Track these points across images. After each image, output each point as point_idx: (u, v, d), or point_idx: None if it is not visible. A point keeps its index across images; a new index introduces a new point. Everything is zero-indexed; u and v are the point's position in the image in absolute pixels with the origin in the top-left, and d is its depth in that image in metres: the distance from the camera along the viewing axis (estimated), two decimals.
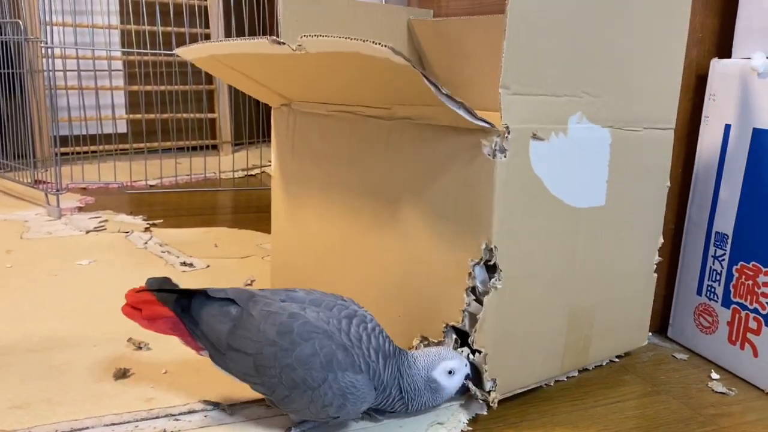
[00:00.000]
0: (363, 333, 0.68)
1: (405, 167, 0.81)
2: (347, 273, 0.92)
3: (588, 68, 0.76)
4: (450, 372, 0.71)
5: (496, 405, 0.75)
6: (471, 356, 0.75)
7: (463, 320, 0.75)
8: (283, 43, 0.75)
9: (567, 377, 0.87)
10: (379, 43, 0.64)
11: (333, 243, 0.94)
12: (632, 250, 0.88)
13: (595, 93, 0.77)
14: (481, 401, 0.76)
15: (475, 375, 0.76)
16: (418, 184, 0.79)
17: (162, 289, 0.71)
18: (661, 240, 0.91)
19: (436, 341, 0.79)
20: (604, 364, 0.91)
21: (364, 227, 0.88)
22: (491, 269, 0.73)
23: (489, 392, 0.75)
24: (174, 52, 1.01)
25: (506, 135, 0.69)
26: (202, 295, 0.70)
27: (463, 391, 0.76)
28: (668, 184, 0.89)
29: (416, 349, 0.80)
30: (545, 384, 0.84)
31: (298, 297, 0.70)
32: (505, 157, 0.69)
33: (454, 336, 0.77)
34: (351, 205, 0.90)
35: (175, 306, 0.70)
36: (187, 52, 0.94)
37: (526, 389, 0.81)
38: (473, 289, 0.74)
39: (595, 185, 0.80)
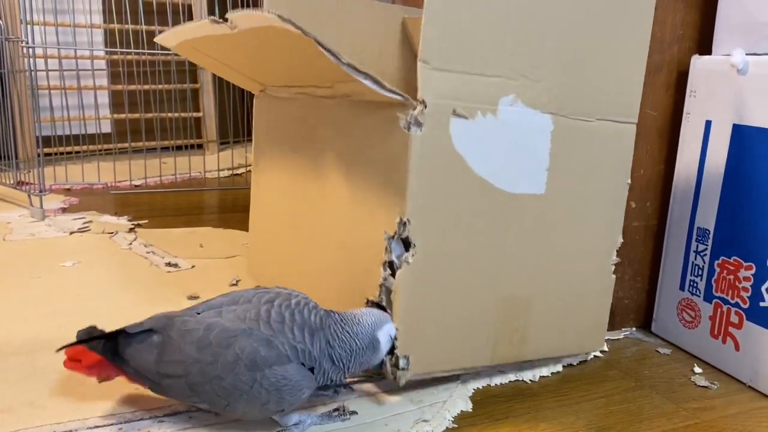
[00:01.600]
0: (286, 312, 0.67)
1: (342, 143, 0.82)
2: (302, 252, 0.94)
3: (527, 51, 0.74)
4: (390, 336, 0.71)
5: (402, 383, 0.74)
6: None
7: (380, 295, 0.74)
8: (221, 22, 0.75)
9: (552, 373, 0.87)
10: (277, 15, 0.64)
11: (292, 223, 0.96)
12: (581, 245, 0.84)
13: (534, 77, 0.75)
14: (390, 376, 0.75)
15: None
16: (349, 159, 0.80)
17: (90, 338, 0.70)
18: (620, 240, 0.86)
19: None
20: (575, 363, 0.91)
21: (319, 201, 0.89)
22: (408, 246, 0.72)
23: (402, 369, 0.74)
24: (155, 40, 1.01)
25: (423, 109, 0.68)
26: (123, 333, 0.69)
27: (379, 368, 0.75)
28: (628, 181, 0.85)
29: None
30: (497, 370, 0.85)
31: (214, 303, 0.70)
32: (420, 131, 0.69)
33: None
34: (306, 185, 0.92)
35: (104, 351, 0.69)
36: (164, 39, 0.95)
37: (450, 374, 0.80)
38: (390, 264, 0.73)
39: (532, 171, 0.78)
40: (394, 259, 0.73)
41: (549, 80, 0.76)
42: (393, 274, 0.73)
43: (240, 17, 0.72)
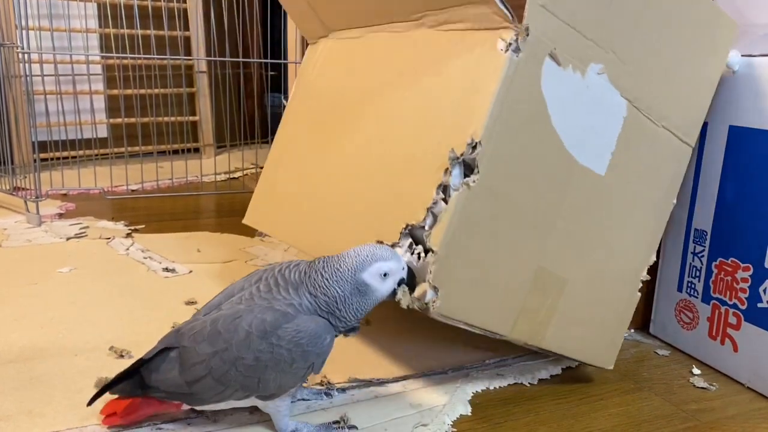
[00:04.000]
0: (271, 281, 0.68)
1: (414, 59, 0.80)
2: (330, 181, 0.90)
3: (623, 30, 0.74)
4: (384, 275, 0.66)
5: (434, 310, 0.69)
6: (421, 256, 0.70)
7: (424, 219, 0.70)
8: None
9: (551, 376, 0.87)
10: None
11: (321, 155, 0.93)
12: (621, 247, 0.83)
13: (623, 57, 0.75)
14: (415, 306, 0.70)
15: (411, 282, 0.70)
16: (425, 70, 0.77)
17: (110, 385, 0.69)
18: (653, 258, 0.86)
19: (390, 244, 0.73)
20: (574, 366, 0.91)
21: (354, 131, 0.87)
22: (469, 172, 0.69)
23: (430, 301, 0.69)
24: None
25: (525, 36, 0.67)
26: (141, 363, 0.69)
27: (392, 294, 0.69)
28: (674, 201, 0.86)
29: None
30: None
31: (213, 303, 0.71)
32: (517, 56, 0.67)
33: (410, 240, 0.72)
34: (350, 113, 0.89)
35: (133, 391, 0.69)
36: None
37: (469, 328, 0.74)
38: (445, 188, 0.69)
39: (598, 148, 0.76)
40: (450, 182, 0.69)
41: (634, 67, 0.76)
42: (444, 200, 0.70)
43: None
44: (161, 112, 2.19)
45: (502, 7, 0.68)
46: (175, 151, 2.17)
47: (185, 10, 2.35)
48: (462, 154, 0.68)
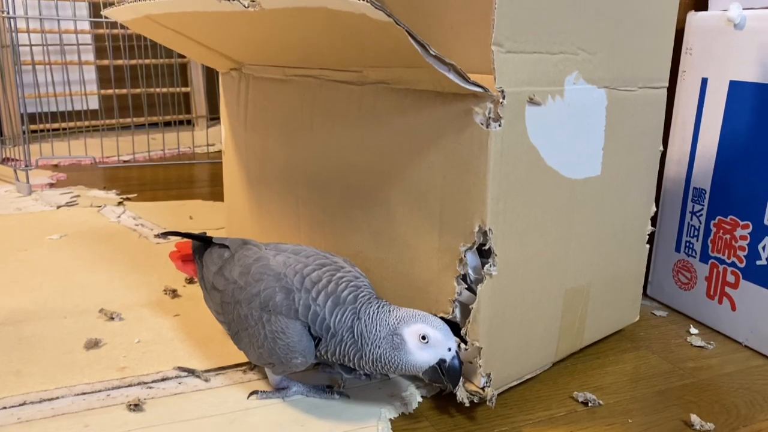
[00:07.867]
0: (324, 278, 0.66)
1: (381, 139, 0.73)
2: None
3: (583, 22, 0.68)
4: (423, 338, 0.62)
5: (494, 403, 0.68)
6: (461, 346, 0.68)
7: (453, 311, 0.69)
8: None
9: None
10: (369, 1, 0.54)
11: (297, 224, 0.88)
12: (626, 221, 0.82)
13: (591, 50, 0.69)
14: (468, 399, 0.68)
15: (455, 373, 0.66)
16: (397, 158, 0.71)
17: (197, 237, 0.80)
18: (654, 208, 0.86)
19: None
20: None
21: (333, 207, 0.82)
22: (484, 254, 0.66)
23: (483, 388, 0.69)
24: (103, 13, 0.91)
25: (501, 101, 0.61)
26: (211, 240, 0.78)
27: (434, 374, 0.64)
28: (661, 148, 0.84)
29: None
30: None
31: (282, 246, 0.72)
32: (499, 126, 0.61)
33: None
34: (317, 182, 0.83)
35: (195, 251, 0.79)
36: (117, 13, 0.86)
37: (521, 380, 0.75)
38: (464, 277, 0.68)
39: (591, 153, 0.73)
40: (469, 271, 0.67)
41: (602, 51, 0.71)
42: (468, 288, 0.68)
43: None
44: (153, 83, 2.15)
45: (467, 85, 0.60)
46: (167, 123, 2.15)
47: None
48: (474, 243, 0.65)
